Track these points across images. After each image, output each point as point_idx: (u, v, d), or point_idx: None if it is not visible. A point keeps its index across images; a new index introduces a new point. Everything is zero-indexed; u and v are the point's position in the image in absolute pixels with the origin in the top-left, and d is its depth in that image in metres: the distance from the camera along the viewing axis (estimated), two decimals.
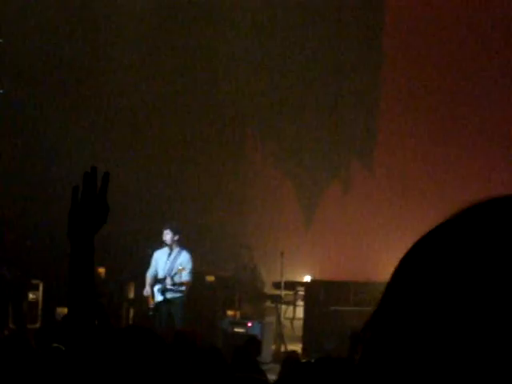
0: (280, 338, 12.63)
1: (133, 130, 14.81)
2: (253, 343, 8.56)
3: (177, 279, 11.35)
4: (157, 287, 11.47)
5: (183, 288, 11.43)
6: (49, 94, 14.00)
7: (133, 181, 13.99)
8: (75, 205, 2.60)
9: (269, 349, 12.23)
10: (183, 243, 11.70)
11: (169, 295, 11.39)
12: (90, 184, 2.63)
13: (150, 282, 11.56)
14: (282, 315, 13.16)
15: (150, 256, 11.79)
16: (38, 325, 12.02)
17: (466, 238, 0.78)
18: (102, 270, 12.83)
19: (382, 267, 12.10)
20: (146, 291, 11.56)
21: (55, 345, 3.77)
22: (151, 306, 11.49)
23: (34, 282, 12.48)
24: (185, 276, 11.36)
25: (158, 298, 11.44)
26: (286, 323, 13.39)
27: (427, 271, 0.78)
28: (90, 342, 2.48)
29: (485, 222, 0.78)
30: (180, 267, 11.27)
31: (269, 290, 13.65)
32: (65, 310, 11.69)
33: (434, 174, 14.96)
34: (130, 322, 12.76)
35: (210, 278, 13.38)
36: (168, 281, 11.32)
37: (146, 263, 11.85)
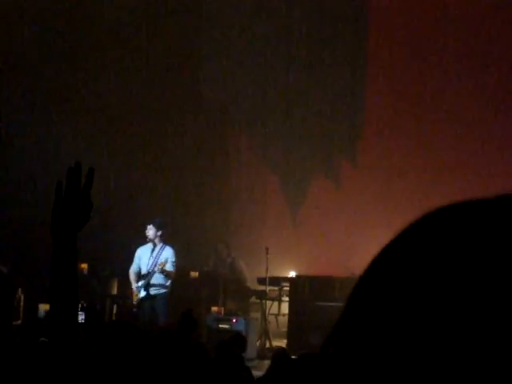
0: (265, 333, 12.59)
1: (113, 125, 14.66)
2: (237, 339, 8.48)
3: (163, 273, 11.26)
4: (140, 283, 11.39)
5: (167, 283, 11.35)
6: (34, 89, 13.86)
7: (114, 176, 13.89)
8: (59, 201, 2.54)
9: (254, 345, 12.18)
10: (166, 239, 11.61)
11: (152, 291, 11.31)
12: (73, 180, 2.57)
13: (134, 278, 11.46)
14: (267, 311, 13.10)
15: (133, 252, 11.69)
16: (20, 321, 11.90)
17: (426, 246, 0.77)
18: (84, 266, 12.72)
19: (368, 262, 12.10)
20: (135, 287, 11.46)
21: (42, 339, 3.70)
22: (134, 302, 11.40)
23: (16, 277, 12.34)
24: (168, 268, 11.26)
25: (142, 293, 11.36)
26: (271, 319, 13.33)
27: (390, 282, 0.77)
28: (74, 338, 2.42)
29: (447, 231, 0.76)
30: (163, 261, 11.17)
31: (254, 285, 13.61)
32: (47, 307, 11.63)
33: (420, 169, 14.97)
34: (114, 318, 12.65)
35: (194, 274, 13.32)
36: (156, 273, 11.21)
37: (129, 259, 11.75)
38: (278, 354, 7.50)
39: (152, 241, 11.41)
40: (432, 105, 15.18)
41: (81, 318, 12.75)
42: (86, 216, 2.58)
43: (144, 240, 11.59)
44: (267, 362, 8.04)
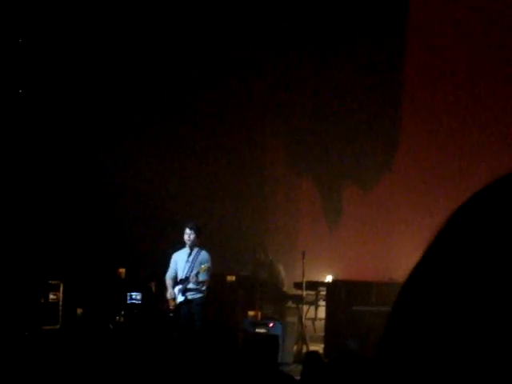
0: (302, 338, 12.54)
1: (143, 128, 14.70)
2: (272, 342, 8.47)
3: (200, 278, 11.28)
4: (177, 288, 11.41)
5: (204, 288, 11.36)
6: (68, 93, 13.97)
7: (153, 182, 13.98)
8: None
9: (291, 349, 12.16)
10: (202, 244, 11.63)
11: (189, 296, 11.32)
12: None
13: (171, 283, 11.49)
14: (304, 315, 13.06)
15: (170, 257, 11.72)
16: (58, 326, 12.02)
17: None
18: (122, 271, 12.82)
19: (405, 267, 12.03)
20: (170, 293, 11.47)
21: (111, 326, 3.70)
22: (171, 307, 11.42)
23: (54, 282, 12.46)
24: (202, 277, 11.27)
25: (179, 298, 11.38)
26: (308, 323, 13.29)
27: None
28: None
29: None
30: (203, 266, 11.19)
31: (290, 290, 13.59)
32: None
33: (455, 171, 14.85)
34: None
35: (231, 278, 13.33)
36: (192, 279, 11.24)
37: (165, 263, 11.79)
38: (311, 358, 7.49)
39: (188, 245, 11.42)
40: (468, 113, 15.08)
41: (138, 297, 12.91)
42: None
43: (181, 245, 11.62)
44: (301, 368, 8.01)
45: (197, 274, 11.24)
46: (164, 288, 11.74)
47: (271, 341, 8.65)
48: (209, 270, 11.33)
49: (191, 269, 11.32)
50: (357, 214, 15.56)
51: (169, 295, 11.50)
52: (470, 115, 15.03)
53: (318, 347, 12.03)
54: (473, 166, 14.47)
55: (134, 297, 12.53)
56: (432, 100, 15.31)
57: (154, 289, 12.92)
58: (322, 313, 13.24)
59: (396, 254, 14.38)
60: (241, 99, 15.54)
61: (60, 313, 12.30)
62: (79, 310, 11.65)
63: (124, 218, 13.77)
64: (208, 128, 15.42)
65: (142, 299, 12.44)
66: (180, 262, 11.49)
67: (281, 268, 13.83)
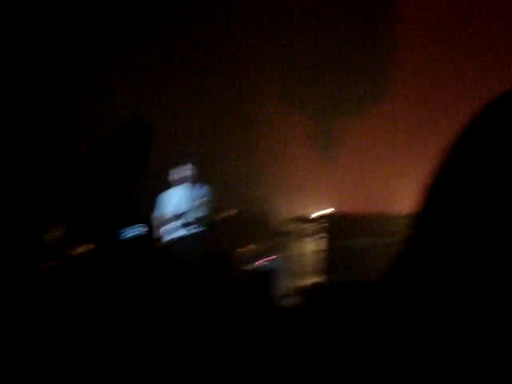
0: (300, 271, 12.63)
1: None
2: (270, 276, 8.52)
3: (198, 213, 11.32)
4: (177, 223, 11.44)
5: (201, 223, 11.40)
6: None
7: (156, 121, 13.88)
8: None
9: (290, 283, 12.25)
10: (199, 179, 11.63)
11: (188, 231, 11.37)
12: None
13: (163, 221, 11.49)
14: (302, 249, 13.12)
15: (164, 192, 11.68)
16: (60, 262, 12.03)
17: None
18: None
19: (402, 199, 12.05)
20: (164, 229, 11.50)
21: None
22: (166, 243, 11.46)
23: (57, 218, 12.47)
24: (202, 210, 11.32)
25: (178, 233, 11.42)
26: (306, 257, 13.35)
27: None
28: None
29: None
30: (201, 200, 11.23)
31: (288, 224, 13.61)
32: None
33: (459, 100, 14.73)
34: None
35: (228, 214, 13.33)
36: (189, 214, 11.27)
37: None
38: (312, 288, 7.52)
39: (186, 182, 11.45)
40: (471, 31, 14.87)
41: (144, 230, 12.94)
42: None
43: (179, 181, 11.60)
44: (302, 300, 8.04)
45: (194, 209, 11.27)
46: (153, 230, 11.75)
47: (270, 275, 8.69)
48: (206, 205, 11.36)
49: (189, 204, 11.35)
50: (355, 146, 15.49)
51: (162, 229, 11.53)
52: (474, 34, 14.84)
53: (318, 280, 12.11)
54: (475, 90, 14.34)
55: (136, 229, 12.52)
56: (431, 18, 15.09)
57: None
58: (320, 246, 13.29)
59: (393, 186, 14.38)
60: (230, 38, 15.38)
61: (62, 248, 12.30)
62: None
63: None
64: (199, 64, 15.27)
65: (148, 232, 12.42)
66: (177, 199, 11.52)
67: (277, 204, 13.83)
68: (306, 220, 12.93)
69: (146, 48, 14.62)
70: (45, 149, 13.11)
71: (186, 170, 11.41)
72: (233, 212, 13.42)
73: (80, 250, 11.75)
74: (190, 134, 14.41)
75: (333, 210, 14.24)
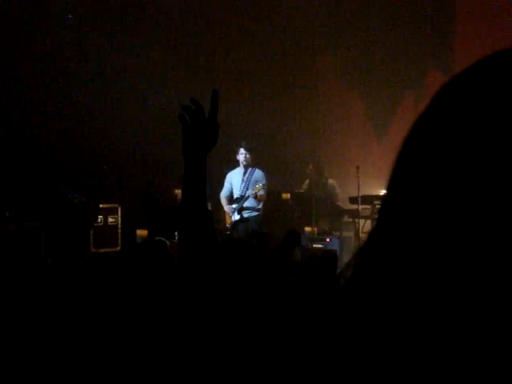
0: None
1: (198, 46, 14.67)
2: (330, 257, 8.53)
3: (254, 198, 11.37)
4: (233, 206, 11.51)
5: (259, 206, 11.45)
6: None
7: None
8: (186, 127, 2.70)
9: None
10: (257, 163, 11.68)
11: (245, 214, 11.43)
12: (196, 107, 2.69)
13: (225, 201, 11.60)
14: (361, 229, 13.10)
15: (224, 176, 11.80)
16: (118, 248, 12.25)
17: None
18: (178, 192, 12.92)
19: None
20: (228, 209, 11.61)
21: (157, 238, 3.76)
22: (228, 225, 11.55)
23: (113, 205, 12.66)
24: (261, 193, 11.37)
25: (235, 217, 11.49)
26: (365, 237, 13.29)
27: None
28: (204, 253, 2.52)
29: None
30: (259, 185, 11.27)
31: (346, 205, 13.58)
32: (144, 233, 11.87)
33: None
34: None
35: (286, 196, 13.37)
36: (249, 192, 11.34)
37: (220, 184, 11.87)
38: None
39: (244, 165, 11.48)
40: None
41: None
42: (215, 138, 2.73)
43: (234, 164, 11.67)
44: None
45: (253, 193, 11.33)
46: (220, 207, 11.85)
47: (329, 256, 8.70)
48: (264, 188, 11.41)
49: (246, 188, 11.41)
50: (409, 126, 15.37)
51: (226, 209, 11.63)
52: None
53: None
54: None
55: None
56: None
57: (210, 208, 13.03)
58: None
59: None
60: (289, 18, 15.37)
61: (119, 235, 12.53)
62: (139, 232, 11.82)
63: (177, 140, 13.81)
64: (256, 45, 15.30)
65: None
66: (235, 181, 11.58)
67: (335, 185, 13.80)
68: (363, 200, 12.87)
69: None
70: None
71: (248, 154, 11.43)
72: (289, 195, 13.47)
73: (138, 236, 11.94)
74: (249, 117, 14.49)
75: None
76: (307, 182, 13.95)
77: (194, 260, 2.57)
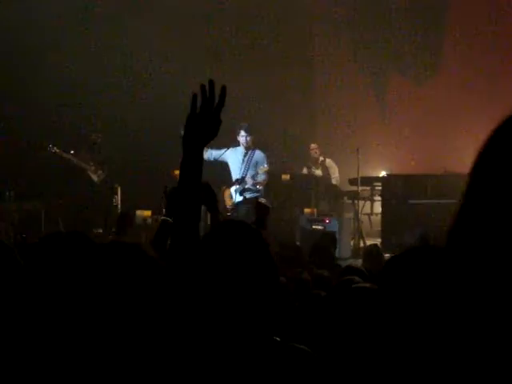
0: (358, 233, 12.63)
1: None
2: (329, 238, 8.57)
3: (258, 179, 11.35)
4: (234, 188, 11.50)
5: (261, 188, 11.43)
6: None
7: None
8: (193, 114, 2.71)
9: (348, 244, 12.28)
10: (258, 145, 11.64)
11: (247, 195, 11.41)
12: (209, 96, 2.69)
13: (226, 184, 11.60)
14: (360, 211, 13.11)
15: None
16: (113, 229, 12.28)
17: None
18: (177, 172, 12.92)
19: (459, 159, 11.92)
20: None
21: (163, 217, 3.79)
22: (229, 206, 11.55)
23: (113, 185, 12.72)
24: (261, 175, 11.35)
25: (237, 198, 11.48)
26: (364, 219, 13.34)
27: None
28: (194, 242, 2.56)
29: None
30: (261, 167, 11.24)
31: (345, 186, 13.59)
32: (144, 213, 11.87)
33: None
34: (209, 222, 12.87)
35: (286, 177, 13.35)
36: (249, 181, 11.33)
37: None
38: (371, 251, 7.59)
39: (245, 147, 11.44)
40: None
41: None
42: (215, 132, 2.73)
43: (235, 144, 11.62)
44: (361, 261, 8.12)
45: (254, 176, 11.31)
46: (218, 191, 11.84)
47: (328, 237, 8.75)
48: (266, 172, 11.37)
49: (247, 169, 11.39)
50: (409, 110, 15.37)
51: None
52: None
53: (375, 241, 12.10)
54: None
55: None
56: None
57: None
58: (377, 208, 13.26)
59: (449, 147, 14.27)
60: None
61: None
62: (139, 213, 11.85)
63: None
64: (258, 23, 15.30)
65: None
66: (235, 163, 11.55)
67: (334, 165, 13.80)
68: (363, 182, 12.87)
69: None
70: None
71: (248, 136, 11.38)
72: (289, 176, 13.44)
73: (138, 215, 12.00)
74: (245, 99, 14.46)
75: (389, 172, 14.18)
76: (306, 164, 13.94)
77: (187, 244, 2.62)
